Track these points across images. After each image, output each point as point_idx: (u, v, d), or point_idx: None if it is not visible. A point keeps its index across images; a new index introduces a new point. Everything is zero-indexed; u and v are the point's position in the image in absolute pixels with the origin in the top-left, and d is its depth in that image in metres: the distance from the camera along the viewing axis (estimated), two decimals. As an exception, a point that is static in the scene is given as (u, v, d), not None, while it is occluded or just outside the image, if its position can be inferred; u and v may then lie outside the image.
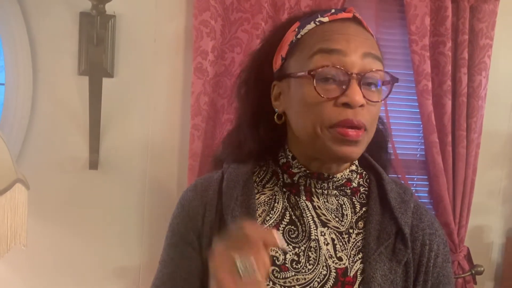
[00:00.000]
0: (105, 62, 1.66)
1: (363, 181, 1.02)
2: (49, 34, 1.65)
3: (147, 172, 1.79)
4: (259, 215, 0.95)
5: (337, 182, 0.96)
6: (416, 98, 1.85)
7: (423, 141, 1.89)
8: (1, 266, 1.68)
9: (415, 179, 1.98)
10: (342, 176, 0.96)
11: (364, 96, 0.85)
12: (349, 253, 0.93)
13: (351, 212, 0.97)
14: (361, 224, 0.97)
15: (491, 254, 2.13)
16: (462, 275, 1.94)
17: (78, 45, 1.66)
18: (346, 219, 0.96)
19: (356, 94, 0.84)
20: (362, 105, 0.85)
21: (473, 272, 1.97)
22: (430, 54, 1.82)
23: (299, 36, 0.93)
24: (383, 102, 0.92)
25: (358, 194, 1.00)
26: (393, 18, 1.89)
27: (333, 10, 0.93)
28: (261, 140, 1.00)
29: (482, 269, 1.97)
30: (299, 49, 0.92)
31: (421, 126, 1.87)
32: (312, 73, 0.86)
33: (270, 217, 0.95)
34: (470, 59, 1.86)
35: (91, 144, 1.68)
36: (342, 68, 0.85)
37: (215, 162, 1.12)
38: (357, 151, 0.88)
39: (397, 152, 1.88)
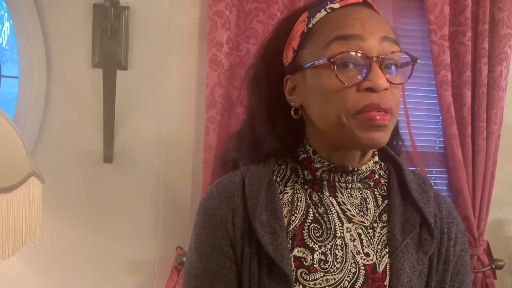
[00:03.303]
0: (119, 55, 1.65)
1: (383, 172, 1.01)
2: (62, 26, 1.65)
3: (162, 165, 1.77)
4: (284, 215, 0.93)
5: (361, 175, 0.95)
6: (435, 89, 1.82)
7: (442, 133, 1.86)
8: (16, 260, 1.68)
9: (433, 172, 1.95)
10: (366, 168, 0.95)
11: (387, 79, 0.84)
12: (375, 248, 0.92)
13: (374, 206, 0.96)
14: (384, 217, 0.95)
15: (511, 248, 2.08)
16: (482, 270, 1.91)
17: (92, 38, 1.65)
18: (370, 213, 0.95)
19: (380, 77, 0.82)
20: (386, 88, 0.84)
21: (493, 266, 1.94)
22: (449, 44, 1.79)
23: (310, 25, 0.90)
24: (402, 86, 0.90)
25: (380, 186, 0.98)
26: (411, 8, 1.86)
27: None
28: (279, 137, 0.97)
29: (502, 263, 1.94)
30: (312, 39, 0.90)
31: (440, 117, 1.84)
32: (332, 60, 0.84)
33: (295, 217, 0.92)
34: (491, 49, 1.82)
35: (105, 137, 1.67)
36: (362, 53, 0.84)
37: (224, 161, 1.09)
38: (385, 136, 0.86)
39: (416, 144, 1.85)
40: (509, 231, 2.07)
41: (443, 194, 1.78)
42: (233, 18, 1.67)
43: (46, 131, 1.68)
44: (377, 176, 0.98)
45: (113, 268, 1.79)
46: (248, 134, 1.02)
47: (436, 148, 1.95)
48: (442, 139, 1.87)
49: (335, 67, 0.84)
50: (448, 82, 1.79)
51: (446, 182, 1.90)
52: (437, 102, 1.83)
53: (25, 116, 1.62)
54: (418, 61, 0.92)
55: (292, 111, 0.95)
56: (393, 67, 0.86)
